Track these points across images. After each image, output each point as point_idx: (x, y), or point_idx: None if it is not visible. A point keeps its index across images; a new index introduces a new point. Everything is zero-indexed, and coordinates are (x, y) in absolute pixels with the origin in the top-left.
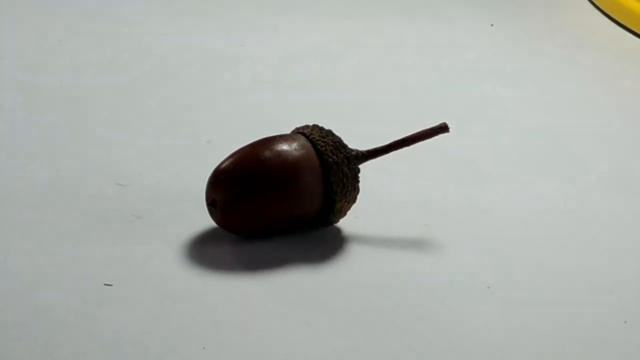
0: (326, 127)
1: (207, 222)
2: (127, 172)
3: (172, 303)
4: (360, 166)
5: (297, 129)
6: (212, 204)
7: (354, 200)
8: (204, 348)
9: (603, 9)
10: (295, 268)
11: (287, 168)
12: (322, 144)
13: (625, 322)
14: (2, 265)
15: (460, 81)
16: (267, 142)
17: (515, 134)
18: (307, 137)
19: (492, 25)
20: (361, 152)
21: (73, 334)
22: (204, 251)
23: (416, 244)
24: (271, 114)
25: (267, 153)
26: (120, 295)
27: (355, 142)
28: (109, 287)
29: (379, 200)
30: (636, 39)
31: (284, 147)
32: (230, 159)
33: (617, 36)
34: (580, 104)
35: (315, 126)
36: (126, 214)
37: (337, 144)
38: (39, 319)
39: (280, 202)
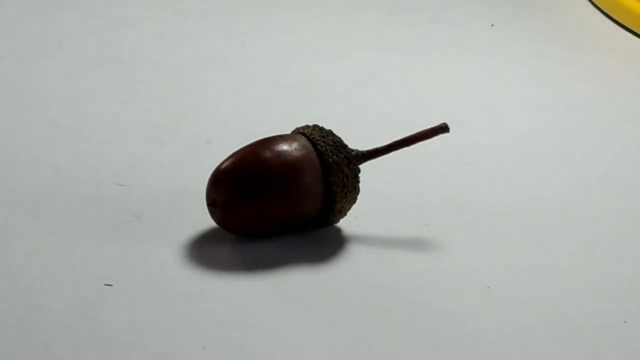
0: (326, 127)
1: (207, 222)
2: (127, 172)
3: (172, 303)
4: (360, 166)
5: (298, 129)
6: (212, 204)
7: (354, 200)
8: (204, 348)
9: (603, 9)
10: (295, 268)
11: (287, 168)
12: (323, 144)
13: (625, 322)
14: (2, 265)
15: (460, 81)
16: (267, 142)
17: (516, 133)
18: (307, 137)
19: (492, 25)
20: (361, 152)
21: (73, 334)
22: (204, 251)
23: (416, 244)
24: (271, 114)
25: (267, 153)
26: (120, 295)
27: (355, 142)
28: (109, 287)
29: (379, 200)
30: (636, 39)
31: (284, 147)
32: (231, 159)
33: (617, 36)
34: (580, 104)
35: (315, 126)
36: (126, 214)
37: (338, 144)
38: (39, 319)
39: (280, 202)
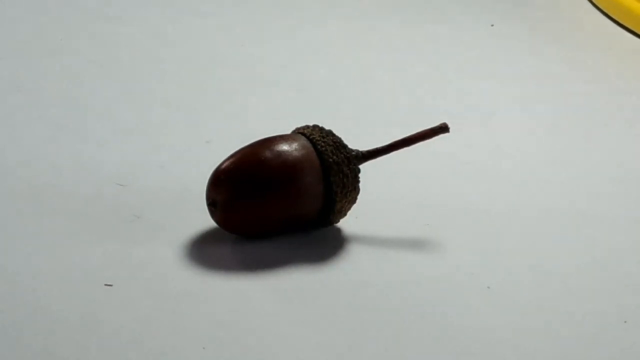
0: (326, 127)
1: (207, 222)
2: (127, 172)
3: (172, 303)
4: (360, 166)
5: (298, 129)
6: (213, 204)
7: (354, 200)
8: (204, 348)
9: (603, 9)
10: (295, 268)
11: (287, 168)
12: (323, 144)
13: (625, 322)
14: (2, 265)
15: (460, 81)
16: (267, 142)
17: (515, 134)
18: (307, 137)
19: (492, 25)
20: (361, 152)
21: (73, 334)
22: (204, 251)
23: (416, 244)
24: (271, 114)
25: (268, 153)
26: (120, 295)
27: (355, 142)
28: (109, 287)
29: (379, 200)
30: (636, 39)
31: (284, 147)
32: (231, 159)
33: (617, 36)
34: (580, 104)
35: (315, 126)
36: (126, 214)
37: (338, 144)
38: (39, 319)
39: (281, 202)
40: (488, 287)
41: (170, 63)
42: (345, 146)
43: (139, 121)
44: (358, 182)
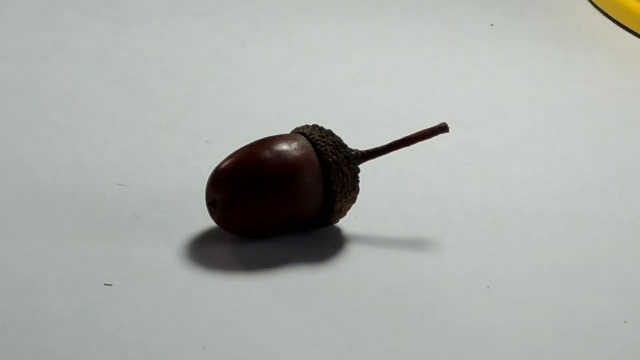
0: (326, 127)
1: (207, 222)
2: (127, 172)
3: (172, 303)
4: (360, 166)
5: (297, 129)
6: (212, 204)
7: (354, 200)
8: (204, 348)
9: (603, 9)
10: (295, 268)
11: (287, 168)
12: (322, 144)
13: (625, 322)
14: (2, 265)
15: (460, 81)
16: (267, 142)
17: (515, 133)
18: (307, 137)
19: (492, 25)
20: (361, 152)
21: (73, 334)
22: (204, 251)
23: (416, 244)
24: (271, 114)
25: (267, 153)
26: (120, 295)
27: (355, 142)
28: (109, 287)
29: (379, 200)
30: (636, 39)
31: (284, 147)
32: (231, 159)
33: (617, 36)
34: (580, 104)
35: (315, 126)
36: (126, 214)
37: (337, 144)
38: (39, 319)
39: (280, 202)
40: (488, 287)
41: (170, 63)
42: (345, 146)
43: (139, 121)
44: (358, 182)
